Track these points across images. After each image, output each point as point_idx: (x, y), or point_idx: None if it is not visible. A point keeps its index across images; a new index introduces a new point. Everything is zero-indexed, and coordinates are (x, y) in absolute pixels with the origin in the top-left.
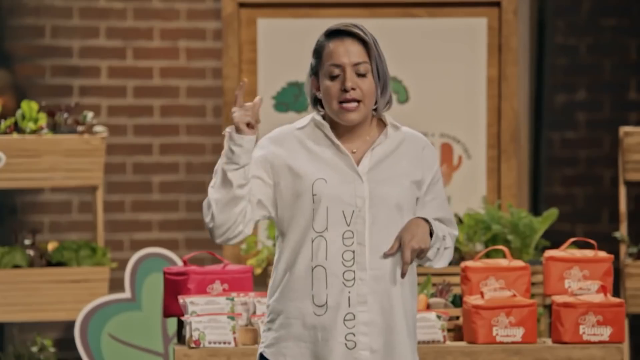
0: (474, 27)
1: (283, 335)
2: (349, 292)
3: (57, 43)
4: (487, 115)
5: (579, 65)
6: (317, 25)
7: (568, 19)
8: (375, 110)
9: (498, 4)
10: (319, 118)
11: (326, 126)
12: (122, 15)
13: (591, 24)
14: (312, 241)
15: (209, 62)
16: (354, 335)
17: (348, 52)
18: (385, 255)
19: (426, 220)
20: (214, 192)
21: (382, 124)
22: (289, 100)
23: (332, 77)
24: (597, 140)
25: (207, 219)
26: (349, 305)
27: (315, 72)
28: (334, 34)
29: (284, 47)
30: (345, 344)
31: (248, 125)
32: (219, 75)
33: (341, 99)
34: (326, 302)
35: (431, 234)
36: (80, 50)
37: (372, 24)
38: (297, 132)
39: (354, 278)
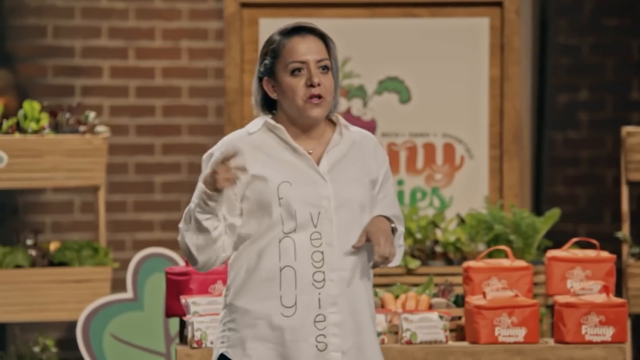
0: (476, 27)
1: (248, 335)
2: (319, 294)
3: (59, 43)
4: (489, 115)
5: (581, 65)
6: (318, 25)
7: (570, 19)
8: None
9: (500, 4)
10: (272, 121)
11: (281, 129)
12: (124, 15)
13: (593, 24)
14: (280, 242)
15: (211, 62)
16: (324, 336)
17: (310, 49)
18: (353, 248)
19: (387, 219)
20: (191, 237)
21: (332, 124)
22: None
23: (294, 75)
24: (599, 140)
25: (191, 262)
26: (320, 307)
27: (269, 72)
28: (293, 31)
29: None
30: (316, 346)
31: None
32: (221, 75)
33: (308, 95)
34: (295, 303)
35: (393, 232)
36: (82, 50)
37: (373, 24)
38: (251, 137)
39: (324, 279)
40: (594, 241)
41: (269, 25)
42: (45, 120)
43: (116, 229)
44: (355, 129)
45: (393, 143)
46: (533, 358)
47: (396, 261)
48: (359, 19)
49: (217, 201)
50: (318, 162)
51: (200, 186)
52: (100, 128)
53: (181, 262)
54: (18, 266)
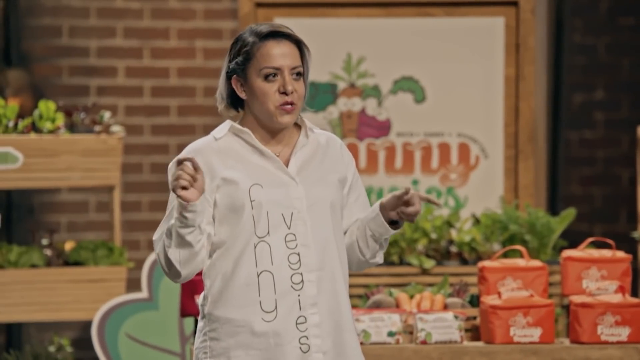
0: (492, 26)
1: (231, 344)
2: (299, 295)
3: (75, 43)
4: (504, 115)
5: (597, 65)
6: (333, 24)
7: (586, 18)
8: None
9: (515, 3)
10: (237, 126)
11: (247, 133)
12: (139, 15)
13: (609, 23)
14: (255, 247)
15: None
16: (307, 338)
17: (285, 55)
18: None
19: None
20: (173, 253)
21: (297, 125)
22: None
23: (268, 80)
24: (615, 140)
25: (171, 276)
26: (300, 309)
27: (240, 72)
28: (269, 35)
29: None
30: (300, 348)
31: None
32: None
33: (281, 102)
34: (276, 308)
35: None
36: (97, 50)
37: (388, 24)
38: (217, 143)
39: (302, 280)
40: (610, 241)
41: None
42: (60, 120)
43: (131, 229)
44: (319, 131)
45: (408, 143)
46: (548, 358)
47: (379, 259)
48: (374, 18)
49: (195, 211)
50: (286, 164)
51: (174, 200)
52: (115, 128)
53: None
54: (33, 266)
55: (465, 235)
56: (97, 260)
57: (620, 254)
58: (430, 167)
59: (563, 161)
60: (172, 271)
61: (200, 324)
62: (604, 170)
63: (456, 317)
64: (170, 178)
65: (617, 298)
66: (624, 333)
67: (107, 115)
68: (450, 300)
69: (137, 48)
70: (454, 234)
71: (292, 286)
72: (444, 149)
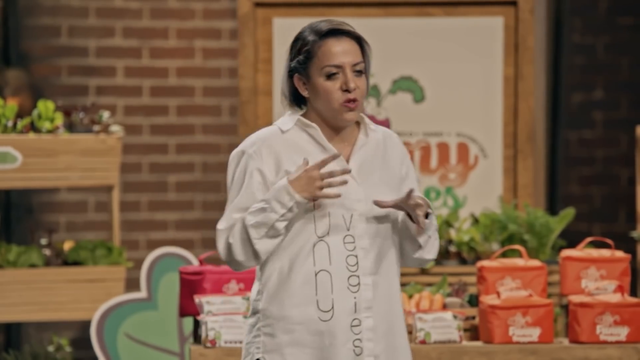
0: (491, 26)
1: (286, 341)
2: (355, 298)
3: (74, 43)
4: (503, 115)
5: (596, 64)
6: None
7: (585, 18)
8: None
9: (514, 3)
10: (305, 120)
11: (316, 129)
12: (138, 15)
13: (608, 23)
14: (314, 246)
15: (224, 62)
16: (360, 341)
17: (346, 52)
18: (377, 204)
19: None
20: (265, 244)
21: (356, 123)
22: None
23: (330, 78)
24: (614, 140)
25: (240, 266)
26: (355, 311)
27: (301, 71)
28: (329, 33)
29: None
30: (353, 350)
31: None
32: (234, 74)
33: (344, 100)
34: (332, 307)
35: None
36: (96, 50)
37: (387, 24)
38: (284, 136)
39: (359, 283)
40: (609, 241)
41: (283, 25)
42: (59, 119)
43: (130, 229)
44: (375, 126)
45: (407, 142)
46: (547, 358)
47: (432, 255)
48: (373, 18)
49: (300, 205)
50: (347, 163)
51: (280, 195)
52: (114, 128)
53: (195, 262)
54: (32, 265)
55: (464, 235)
56: (96, 260)
57: (619, 253)
58: (429, 167)
59: (562, 161)
60: (253, 258)
61: (252, 319)
62: (603, 170)
63: (455, 316)
64: (233, 168)
65: (616, 298)
66: (622, 333)
67: (106, 115)
68: (449, 300)
69: (136, 48)
70: (452, 233)
71: (348, 287)
72: (443, 148)
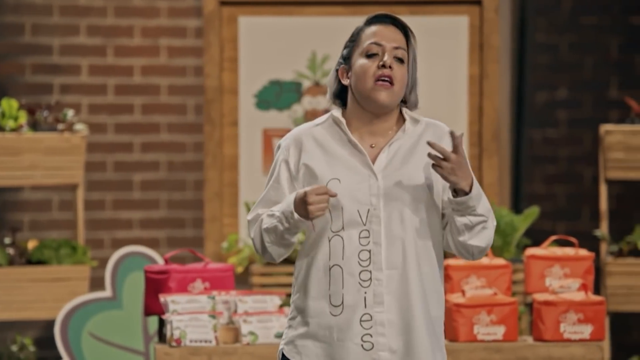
0: (456, 25)
1: (301, 333)
2: (365, 293)
3: (38, 41)
4: (468, 114)
5: (560, 64)
6: (298, 23)
7: (549, 17)
8: (404, 103)
9: (479, 2)
10: (337, 114)
11: (343, 123)
12: (103, 13)
13: (572, 22)
14: (330, 240)
15: (190, 60)
16: (371, 336)
17: (389, 35)
18: (430, 145)
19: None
20: (275, 249)
21: (403, 120)
22: (270, 98)
23: (369, 56)
24: (578, 139)
25: (265, 260)
26: (365, 306)
27: (347, 58)
28: (376, 19)
29: (265, 45)
30: (362, 345)
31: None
32: (200, 73)
33: (377, 75)
34: (342, 302)
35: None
36: (60, 48)
37: (353, 22)
38: (315, 129)
39: (370, 278)
40: (573, 239)
41: (249, 23)
42: (23, 118)
43: (95, 227)
44: (426, 120)
45: None
46: (512, 356)
47: (478, 241)
48: (338, 17)
49: (305, 223)
50: (376, 158)
51: (286, 208)
52: (78, 126)
53: (160, 261)
54: None
55: None
56: (60, 259)
57: (583, 252)
58: None
59: (526, 159)
60: (267, 257)
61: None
62: (567, 169)
63: None
64: (277, 154)
65: (579, 296)
66: (586, 331)
67: (70, 113)
68: None
69: (100, 46)
70: None
71: (359, 282)
72: None
